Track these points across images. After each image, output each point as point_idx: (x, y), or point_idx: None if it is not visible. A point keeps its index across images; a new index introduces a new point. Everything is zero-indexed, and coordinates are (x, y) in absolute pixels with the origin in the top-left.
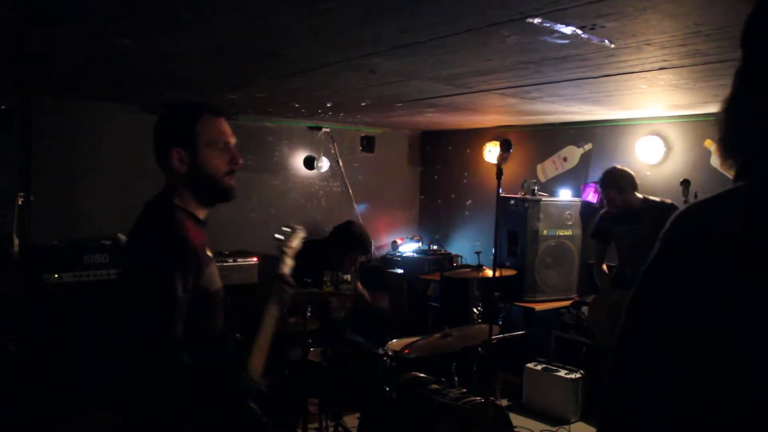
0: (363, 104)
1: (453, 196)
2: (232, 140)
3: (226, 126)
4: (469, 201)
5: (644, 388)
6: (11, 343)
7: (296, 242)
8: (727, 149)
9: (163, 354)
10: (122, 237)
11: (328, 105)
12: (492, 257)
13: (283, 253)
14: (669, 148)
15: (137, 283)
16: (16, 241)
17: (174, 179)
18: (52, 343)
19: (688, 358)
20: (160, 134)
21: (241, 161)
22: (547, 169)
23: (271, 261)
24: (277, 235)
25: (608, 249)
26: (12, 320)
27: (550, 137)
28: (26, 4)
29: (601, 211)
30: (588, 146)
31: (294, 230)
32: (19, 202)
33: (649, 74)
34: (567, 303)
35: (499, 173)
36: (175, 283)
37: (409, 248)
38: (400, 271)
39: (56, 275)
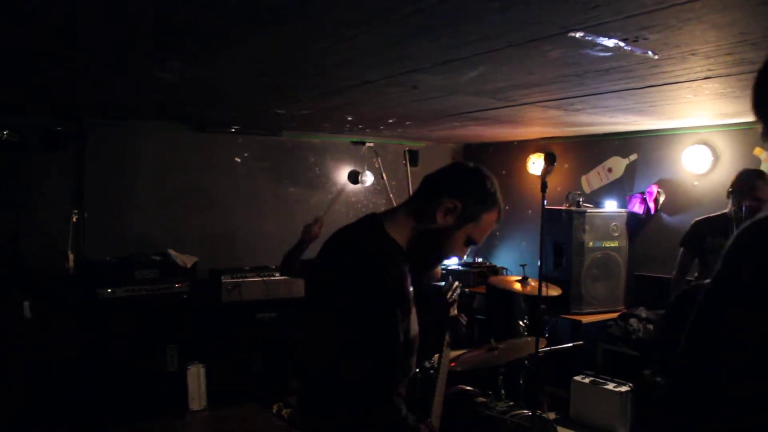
0: (406, 119)
1: None
2: (479, 244)
3: (490, 230)
4: (514, 213)
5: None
6: (68, 354)
7: (456, 292)
8: None
9: (380, 396)
10: (173, 253)
11: (372, 120)
12: (537, 269)
13: (451, 304)
14: (717, 157)
15: (363, 323)
16: (71, 257)
17: (417, 216)
18: (105, 354)
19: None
20: (456, 179)
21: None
22: (592, 181)
23: None
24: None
25: (693, 261)
26: (69, 333)
27: (595, 148)
28: (80, 29)
29: (697, 219)
30: (633, 157)
31: (453, 283)
32: (74, 220)
33: (694, 84)
34: (614, 315)
35: (544, 187)
36: (399, 328)
37: (453, 261)
38: (444, 283)
39: (109, 290)
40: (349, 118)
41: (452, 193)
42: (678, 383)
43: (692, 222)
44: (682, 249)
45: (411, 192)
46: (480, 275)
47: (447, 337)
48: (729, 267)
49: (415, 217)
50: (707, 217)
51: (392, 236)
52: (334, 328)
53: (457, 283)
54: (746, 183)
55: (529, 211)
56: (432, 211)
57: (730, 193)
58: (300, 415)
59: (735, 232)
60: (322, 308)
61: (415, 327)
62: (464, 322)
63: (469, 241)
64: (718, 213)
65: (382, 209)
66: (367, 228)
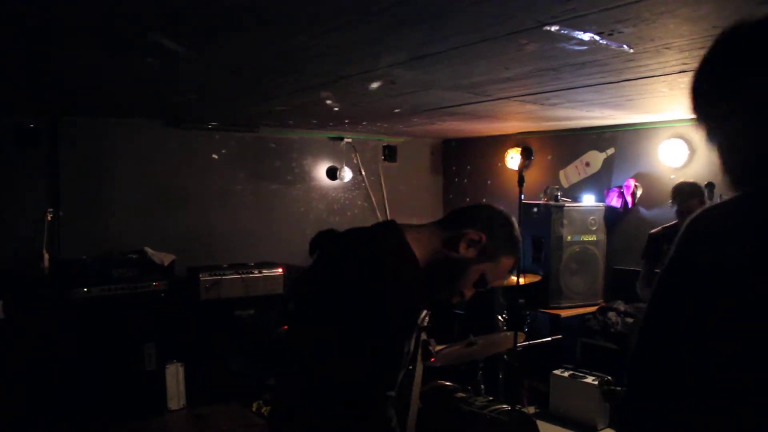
0: (384, 114)
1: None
2: (487, 287)
3: (502, 278)
4: None
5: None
6: (42, 355)
7: (425, 319)
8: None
9: (376, 403)
10: (150, 251)
11: (350, 116)
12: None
13: (422, 329)
14: (693, 150)
15: (374, 335)
16: (46, 256)
17: (443, 240)
18: (81, 354)
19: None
20: (484, 215)
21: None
22: (570, 175)
23: (294, 271)
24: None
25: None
26: (43, 333)
27: (572, 142)
28: (53, 25)
29: (651, 232)
30: (610, 150)
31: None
32: (49, 218)
33: (669, 77)
34: (593, 309)
35: (521, 181)
36: (404, 341)
37: None
38: None
39: (85, 289)
40: (326, 114)
41: (478, 225)
42: (638, 371)
43: (648, 234)
44: (643, 261)
45: (384, 187)
46: None
47: (421, 350)
48: (677, 257)
49: (441, 239)
50: (662, 228)
51: (412, 248)
52: (341, 330)
53: (425, 311)
54: (677, 195)
55: (508, 206)
56: (456, 239)
57: (671, 204)
58: (282, 414)
59: (686, 221)
60: (330, 310)
61: (411, 344)
62: (433, 350)
63: (480, 282)
64: (671, 224)
65: (359, 203)
66: (388, 236)
